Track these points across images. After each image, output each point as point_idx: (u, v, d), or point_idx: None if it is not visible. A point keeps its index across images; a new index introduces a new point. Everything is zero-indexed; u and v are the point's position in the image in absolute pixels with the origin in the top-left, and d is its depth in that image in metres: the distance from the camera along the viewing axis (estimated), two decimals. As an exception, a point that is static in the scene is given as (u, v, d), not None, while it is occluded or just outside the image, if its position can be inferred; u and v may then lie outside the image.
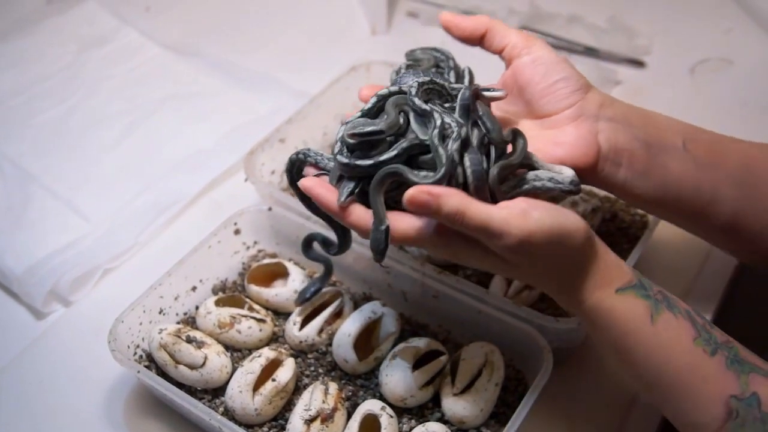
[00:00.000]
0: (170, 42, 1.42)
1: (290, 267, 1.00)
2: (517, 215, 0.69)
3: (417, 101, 0.77)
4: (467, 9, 1.48)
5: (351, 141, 0.75)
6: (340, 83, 1.18)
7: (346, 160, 0.75)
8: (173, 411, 0.91)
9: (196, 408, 0.84)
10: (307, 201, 0.83)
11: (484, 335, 0.92)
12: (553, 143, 0.81)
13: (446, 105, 0.79)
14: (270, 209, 1.03)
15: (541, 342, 0.88)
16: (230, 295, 0.99)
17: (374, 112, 0.79)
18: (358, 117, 0.78)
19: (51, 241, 1.08)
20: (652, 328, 0.74)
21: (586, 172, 0.82)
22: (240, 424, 0.87)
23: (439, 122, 0.75)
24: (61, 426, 0.92)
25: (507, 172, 0.76)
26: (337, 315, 0.96)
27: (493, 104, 0.82)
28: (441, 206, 0.67)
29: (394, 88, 0.80)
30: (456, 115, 0.77)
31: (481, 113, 0.77)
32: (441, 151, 0.73)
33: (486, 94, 0.80)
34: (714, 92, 1.34)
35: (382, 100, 0.79)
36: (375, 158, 0.74)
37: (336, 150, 0.77)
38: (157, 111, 1.29)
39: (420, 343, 0.91)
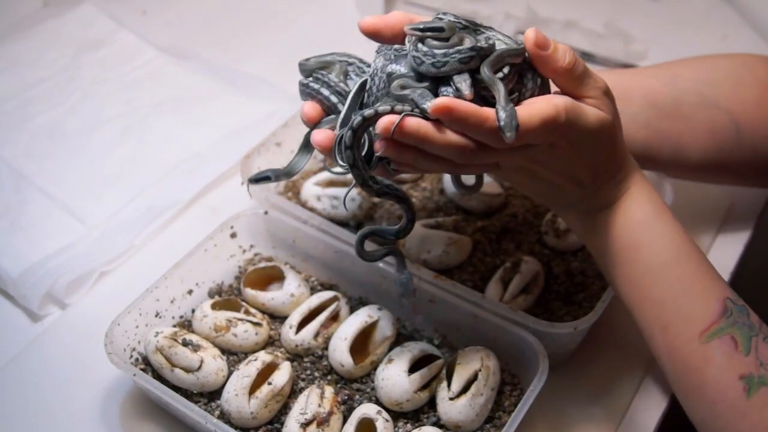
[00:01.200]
0: (166, 46, 1.42)
1: (286, 270, 1.00)
2: (597, 109, 0.76)
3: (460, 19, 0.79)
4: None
5: (414, 33, 0.75)
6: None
7: (469, 46, 0.73)
8: (169, 414, 0.91)
9: (192, 411, 0.84)
10: (368, 181, 0.78)
11: (479, 340, 0.92)
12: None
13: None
14: (266, 213, 1.03)
15: (536, 347, 0.88)
16: (226, 298, 0.99)
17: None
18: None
19: (47, 244, 1.07)
20: (671, 214, 0.82)
21: None
22: (236, 427, 0.87)
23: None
24: (58, 429, 0.92)
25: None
26: (333, 319, 0.96)
27: None
28: (553, 127, 0.71)
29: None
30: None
31: None
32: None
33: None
34: None
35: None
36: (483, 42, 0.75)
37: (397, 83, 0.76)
38: (153, 114, 1.29)
39: (416, 347, 0.91)
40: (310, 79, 0.86)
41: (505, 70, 0.75)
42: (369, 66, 0.84)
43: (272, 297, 0.98)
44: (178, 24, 1.49)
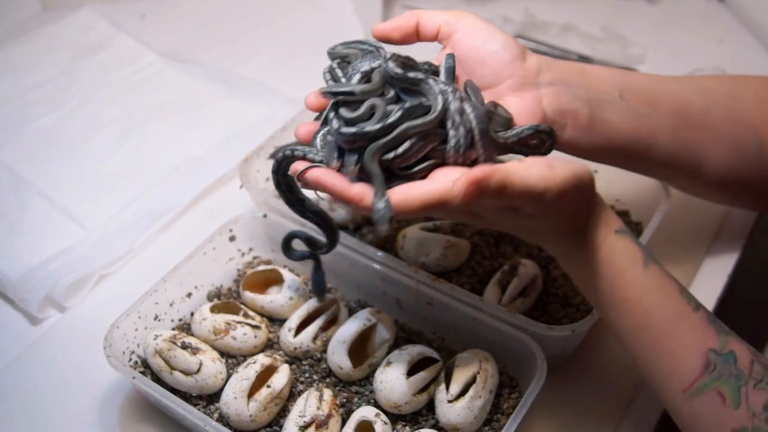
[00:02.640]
0: (165, 49, 1.42)
1: (285, 274, 1.01)
2: (548, 171, 0.72)
3: (396, 69, 0.77)
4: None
5: (322, 96, 0.78)
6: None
7: (353, 129, 0.74)
8: (168, 417, 0.92)
9: (191, 414, 0.84)
10: (293, 202, 0.87)
11: (478, 342, 0.93)
12: None
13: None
14: (265, 216, 1.04)
15: (535, 350, 0.89)
16: (225, 301, 0.99)
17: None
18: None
19: (46, 247, 1.08)
20: (645, 272, 0.78)
21: None
22: (235, 430, 0.87)
23: (432, 83, 0.77)
24: (57, 431, 0.92)
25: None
26: (332, 322, 0.96)
27: None
28: (485, 190, 0.69)
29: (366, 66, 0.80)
30: (443, 78, 0.79)
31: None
32: (439, 97, 0.76)
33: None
34: None
35: (366, 75, 0.80)
36: (382, 121, 0.74)
37: (322, 132, 0.78)
38: (151, 118, 1.29)
39: (414, 350, 0.91)
40: (328, 67, 0.87)
41: (406, 145, 0.75)
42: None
43: (271, 300, 0.98)
44: (177, 28, 1.50)
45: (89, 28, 1.44)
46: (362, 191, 0.73)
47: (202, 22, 1.52)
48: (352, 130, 0.75)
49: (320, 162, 0.77)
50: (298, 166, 0.77)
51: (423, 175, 0.76)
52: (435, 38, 0.86)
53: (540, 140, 0.81)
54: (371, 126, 0.74)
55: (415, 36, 0.86)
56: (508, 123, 0.80)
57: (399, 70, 0.78)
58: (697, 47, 1.47)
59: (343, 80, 0.83)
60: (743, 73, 1.39)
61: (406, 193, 0.72)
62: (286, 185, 0.86)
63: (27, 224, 1.11)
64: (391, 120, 0.75)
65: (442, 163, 0.77)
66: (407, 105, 0.76)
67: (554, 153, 0.84)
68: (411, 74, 0.78)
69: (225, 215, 1.06)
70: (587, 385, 0.97)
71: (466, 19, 0.85)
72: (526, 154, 0.81)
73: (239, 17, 1.53)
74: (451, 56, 0.82)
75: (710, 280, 1.06)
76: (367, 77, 0.80)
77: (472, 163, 0.76)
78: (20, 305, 1.03)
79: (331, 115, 0.78)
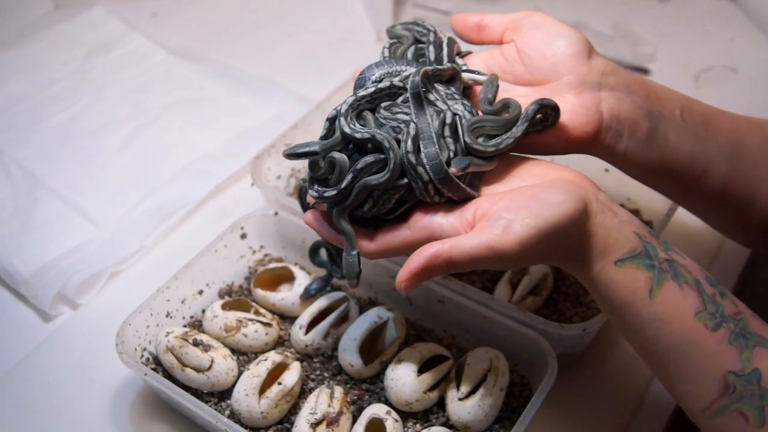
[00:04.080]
0: (176, 47, 1.43)
1: (296, 271, 1.01)
2: (501, 234, 0.69)
3: (345, 128, 0.77)
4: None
5: (286, 158, 0.77)
6: (345, 90, 1.18)
7: (315, 194, 0.76)
8: (179, 414, 0.92)
9: (203, 411, 0.85)
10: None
11: (488, 340, 0.93)
12: None
13: (400, 100, 0.80)
14: (276, 214, 1.04)
15: (545, 348, 0.89)
16: (236, 299, 0.99)
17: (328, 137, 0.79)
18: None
19: (58, 245, 1.08)
20: (649, 301, 0.72)
21: (586, 142, 0.80)
22: (246, 427, 0.87)
23: (385, 138, 0.75)
24: (68, 428, 0.92)
25: (481, 131, 0.77)
26: (343, 319, 0.96)
27: (487, 68, 0.83)
28: (431, 273, 0.71)
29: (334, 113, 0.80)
30: (410, 106, 0.78)
31: (436, 98, 0.79)
32: (392, 152, 0.74)
33: (466, 76, 0.81)
34: (718, 100, 1.30)
35: (332, 122, 0.79)
36: (337, 187, 0.75)
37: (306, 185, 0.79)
38: (163, 116, 1.30)
39: (425, 348, 0.91)
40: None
41: (370, 203, 0.76)
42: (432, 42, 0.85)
43: (282, 297, 0.99)
44: (188, 26, 1.51)
45: (101, 26, 1.45)
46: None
47: (213, 20, 1.53)
48: (315, 194, 0.76)
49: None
50: (309, 198, 0.80)
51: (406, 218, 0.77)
52: (500, 40, 0.84)
53: (544, 114, 0.78)
54: (329, 192, 0.75)
55: (477, 33, 0.86)
56: (516, 118, 0.77)
57: (347, 129, 0.76)
58: (708, 45, 1.47)
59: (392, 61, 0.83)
60: (754, 71, 1.41)
61: (387, 241, 0.76)
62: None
63: (39, 222, 1.12)
64: (344, 185, 0.75)
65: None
66: (359, 166, 0.75)
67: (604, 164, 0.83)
68: (357, 135, 0.76)
69: (236, 213, 1.06)
70: (598, 383, 0.97)
71: (533, 16, 0.83)
72: (530, 133, 0.78)
73: (250, 15, 1.54)
74: (417, 74, 0.77)
75: (721, 279, 1.06)
76: (332, 127, 0.79)
77: (450, 198, 0.75)
78: (33, 302, 1.03)
79: (304, 178, 0.81)
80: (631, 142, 0.81)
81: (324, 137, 0.78)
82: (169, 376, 0.91)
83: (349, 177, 0.75)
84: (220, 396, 0.91)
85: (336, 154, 0.76)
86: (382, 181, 0.74)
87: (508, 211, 0.71)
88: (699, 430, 0.78)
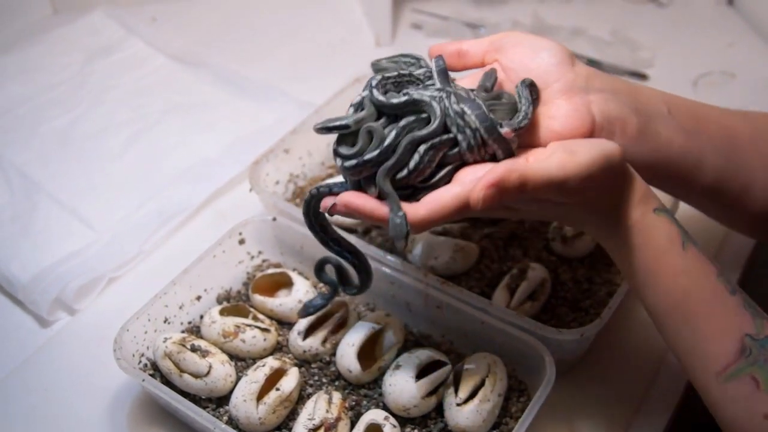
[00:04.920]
0: (176, 52, 1.43)
1: (294, 277, 1.01)
2: (570, 157, 0.72)
3: (378, 96, 0.77)
4: (470, 21, 1.49)
5: (317, 133, 0.78)
6: (344, 94, 1.18)
7: (354, 162, 0.75)
8: (177, 419, 0.92)
9: (201, 417, 0.85)
10: (328, 242, 0.87)
11: (487, 346, 0.93)
12: (547, 117, 0.80)
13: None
14: (274, 219, 1.04)
15: (543, 353, 0.89)
16: (234, 304, 0.99)
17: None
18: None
19: (56, 250, 1.08)
20: (683, 252, 0.77)
21: None
22: (244, 432, 0.87)
23: (424, 94, 0.76)
24: (66, 434, 0.92)
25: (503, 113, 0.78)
26: (341, 325, 0.96)
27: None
28: (505, 191, 0.69)
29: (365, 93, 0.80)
30: (436, 81, 0.79)
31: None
32: (435, 104, 0.75)
33: None
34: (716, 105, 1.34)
35: (357, 108, 0.80)
36: (380, 145, 0.75)
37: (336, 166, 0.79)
38: (162, 120, 1.30)
39: (423, 353, 0.91)
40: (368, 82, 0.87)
41: (416, 158, 0.75)
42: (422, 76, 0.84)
43: (280, 303, 0.98)
44: (188, 31, 1.51)
45: (100, 31, 1.45)
46: (384, 211, 0.74)
47: (213, 25, 1.53)
48: (353, 162, 0.75)
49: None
50: (327, 202, 0.78)
51: (447, 180, 0.76)
52: (480, 63, 0.85)
53: (536, 92, 0.80)
54: (370, 153, 0.75)
55: (460, 63, 0.86)
56: (515, 107, 0.79)
57: (381, 98, 0.77)
58: (707, 51, 1.47)
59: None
60: (753, 76, 1.41)
61: (436, 202, 0.73)
62: (319, 225, 0.86)
63: (37, 226, 1.12)
64: (388, 142, 0.75)
65: (463, 164, 0.77)
66: (402, 123, 0.76)
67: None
68: (394, 101, 0.77)
69: (235, 218, 1.06)
70: (596, 388, 0.97)
71: (511, 36, 0.85)
72: None
73: (249, 20, 1.54)
74: (440, 58, 0.81)
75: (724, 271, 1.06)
76: (360, 107, 0.79)
77: (492, 157, 0.76)
78: (30, 307, 1.03)
79: (334, 154, 0.78)
80: (623, 140, 0.82)
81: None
82: (167, 381, 0.91)
83: (392, 134, 0.75)
84: (218, 402, 0.91)
85: (372, 124, 0.77)
86: (431, 131, 0.75)
87: (565, 144, 0.74)
88: (698, 430, 0.79)
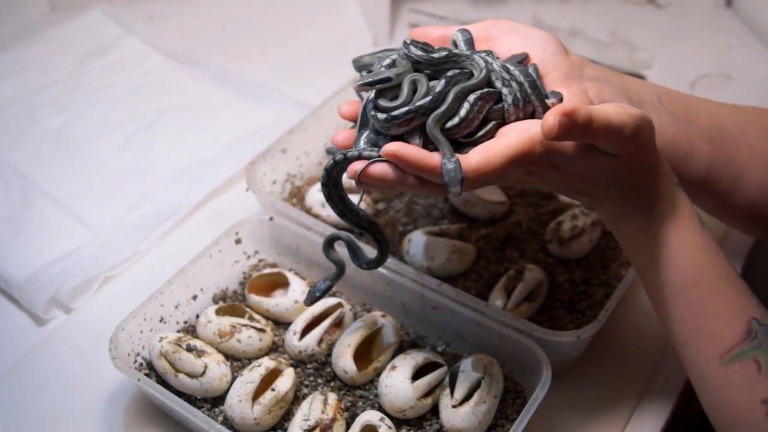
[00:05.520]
0: (173, 51, 1.42)
1: (291, 277, 1.01)
2: (622, 108, 0.71)
3: (418, 51, 0.78)
4: (468, 22, 1.47)
5: (358, 90, 0.78)
6: (342, 94, 1.18)
7: (406, 108, 0.74)
8: (173, 419, 0.92)
9: (196, 417, 0.84)
10: (346, 213, 0.84)
11: (483, 347, 0.93)
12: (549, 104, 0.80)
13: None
14: (271, 219, 1.04)
15: (539, 355, 0.88)
16: (231, 304, 0.99)
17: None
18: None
19: (52, 249, 1.08)
20: (702, 229, 0.78)
21: None
22: (239, 433, 0.87)
23: (463, 52, 0.78)
24: (62, 433, 0.92)
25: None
26: (337, 325, 0.96)
27: None
28: (575, 123, 0.68)
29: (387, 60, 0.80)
30: (463, 50, 0.80)
31: None
32: (477, 58, 0.77)
33: None
34: None
35: (390, 66, 0.79)
36: (431, 93, 0.75)
37: (365, 135, 0.78)
38: (158, 120, 1.29)
39: (419, 354, 0.91)
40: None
41: (466, 106, 0.75)
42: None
43: (276, 303, 0.98)
44: (185, 30, 1.50)
45: (97, 29, 1.44)
46: (437, 159, 0.72)
47: (210, 24, 1.52)
48: (405, 109, 0.74)
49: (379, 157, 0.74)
50: (357, 166, 0.74)
51: (490, 137, 0.76)
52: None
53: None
54: (422, 100, 0.75)
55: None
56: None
57: (421, 52, 0.78)
58: (705, 52, 1.47)
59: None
60: (750, 79, 1.41)
61: (488, 152, 0.72)
62: (338, 197, 0.82)
63: (33, 225, 1.12)
64: (439, 89, 0.75)
65: (502, 123, 0.77)
66: (450, 74, 0.77)
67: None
68: (435, 55, 0.78)
69: (231, 218, 1.06)
70: (592, 390, 0.97)
71: (501, 24, 0.85)
72: None
73: (247, 19, 1.53)
74: (465, 30, 0.82)
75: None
76: (392, 66, 0.79)
77: (530, 117, 0.77)
78: (26, 306, 1.03)
79: (373, 111, 0.77)
80: None
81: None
82: (162, 381, 0.91)
83: (442, 82, 0.76)
84: (214, 402, 0.91)
85: (416, 74, 0.77)
86: (479, 80, 0.76)
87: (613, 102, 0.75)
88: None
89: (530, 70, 0.79)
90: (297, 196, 1.13)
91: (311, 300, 0.91)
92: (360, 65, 0.87)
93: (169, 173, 1.20)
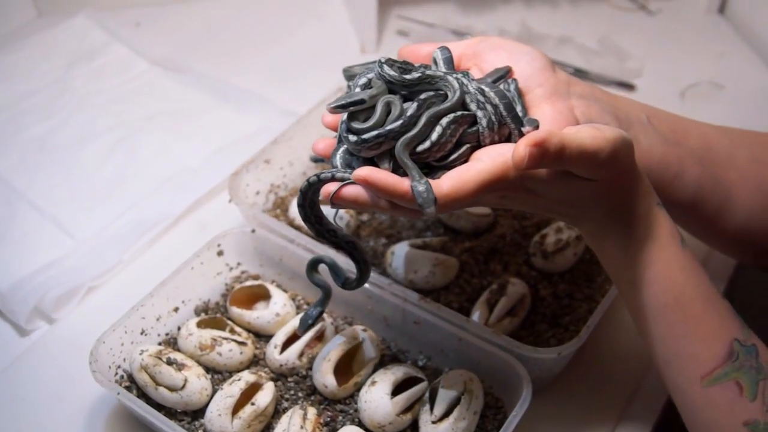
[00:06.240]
0: (159, 58, 1.42)
1: (272, 289, 1.01)
2: (597, 132, 0.70)
3: (390, 71, 0.77)
4: (457, 29, 1.48)
5: (332, 112, 0.76)
6: (326, 104, 1.17)
7: (376, 132, 0.73)
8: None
9: (175, 430, 0.84)
10: (324, 233, 0.83)
11: (464, 362, 0.93)
12: None
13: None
14: (253, 231, 1.03)
15: (520, 371, 0.88)
16: (212, 316, 0.99)
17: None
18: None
19: (36, 258, 1.07)
20: (683, 249, 0.77)
21: None
22: (218, 448, 0.87)
23: (438, 73, 0.77)
24: (43, 444, 0.92)
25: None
26: (318, 339, 0.96)
27: None
28: (546, 152, 0.67)
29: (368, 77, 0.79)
30: (442, 69, 0.80)
31: None
32: (451, 80, 0.76)
33: None
34: (703, 118, 1.29)
35: (365, 86, 0.79)
36: (402, 117, 0.74)
37: (342, 150, 0.78)
38: (144, 128, 1.29)
39: (399, 370, 0.91)
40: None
41: (438, 130, 0.74)
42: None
43: (258, 316, 0.98)
44: (171, 36, 1.49)
45: (84, 35, 1.44)
46: (406, 183, 0.71)
47: (197, 31, 1.51)
48: (375, 132, 0.74)
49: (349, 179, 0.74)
50: (330, 188, 0.74)
51: (464, 160, 0.75)
52: (456, 67, 0.84)
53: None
54: (393, 124, 0.74)
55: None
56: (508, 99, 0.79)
57: (394, 73, 0.77)
58: (696, 61, 1.46)
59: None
60: (742, 88, 1.40)
61: (460, 177, 0.71)
62: (315, 217, 0.82)
63: (16, 234, 1.11)
64: (410, 113, 0.74)
65: (477, 146, 0.76)
66: (423, 97, 0.76)
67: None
68: (407, 76, 0.77)
69: (215, 227, 1.06)
70: (574, 406, 0.96)
71: (488, 40, 0.84)
72: None
73: (234, 26, 1.53)
74: (445, 48, 0.81)
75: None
76: (367, 86, 0.79)
77: (506, 140, 0.76)
78: (9, 316, 1.03)
79: (345, 132, 0.76)
80: None
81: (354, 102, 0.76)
82: (143, 394, 0.91)
83: (414, 105, 0.75)
84: (194, 415, 0.91)
85: (390, 96, 0.76)
86: (452, 103, 0.75)
87: (589, 124, 0.74)
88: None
89: (510, 86, 0.79)
90: (281, 207, 1.13)
91: (305, 328, 0.91)
92: (350, 75, 0.86)
93: (154, 182, 1.20)
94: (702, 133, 0.91)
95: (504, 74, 0.81)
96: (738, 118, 1.31)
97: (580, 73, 1.40)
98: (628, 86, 1.39)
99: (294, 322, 0.96)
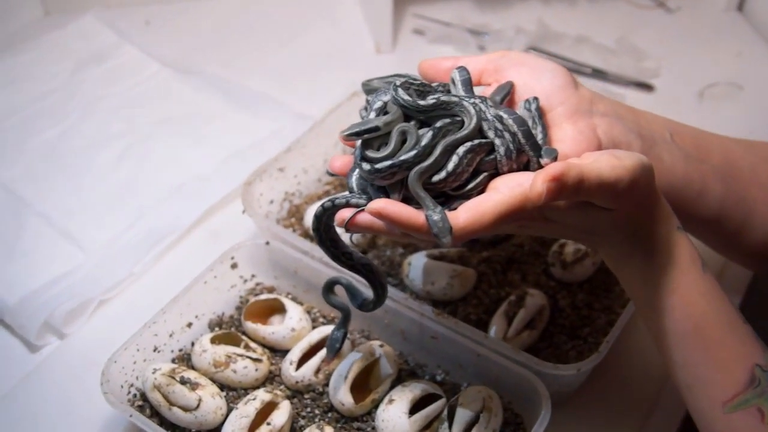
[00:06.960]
0: (170, 59, 1.40)
1: (287, 303, 0.99)
2: (616, 161, 0.69)
3: (405, 96, 0.75)
4: (473, 27, 1.46)
5: (345, 140, 0.74)
6: (341, 109, 1.16)
7: (389, 162, 0.71)
8: (166, 452, 0.90)
9: (189, 452, 0.83)
10: (340, 256, 0.82)
11: (482, 377, 0.91)
12: (554, 141, 0.78)
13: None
14: (267, 243, 1.01)
15: (539, 388, 0.87)
16: (226, 332, 0.97)
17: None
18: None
19: (45, 271, 1.06)
20: (703, 274, 0.76)
21: None
22: (233, 469, 0.85)
23: (455, 99, 0.75)
24: (55, 464, 0.91)
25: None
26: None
27: None
28: (564, 186, 0.66)
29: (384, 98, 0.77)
30: (460, 91, 0.78)
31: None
32: (468, 106, 0.74)
33: None
34: (721, 118, 1.31)
35: (379, 112, 0.77)
36: (417, 146, 0.72)
37: (356, 175, 0.76)
38: (154, 133, 1.27)
39: (417, 386, 0.89)
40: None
41: (454, 160, 0.72)
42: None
43: (273, 331, 0.96)
44: (182, 36, 1.47)
45: (93, 36, 1.41)
46: (420, 215, 0.70)
47: (208, 30, 1.49)
48: (388, 162, 0.71)
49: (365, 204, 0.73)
50: (345, 214, 0.73)
51: (481, 190, 0.73)
52: (477, 82, 0.82)
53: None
54: (406, 154, 0.72)
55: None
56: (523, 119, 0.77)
57: (408, 98, 0.75)
58: (714, 60, 1.44)
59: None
60: (761, 88, 1.37)
61: (477, 209, 0.69)
62: (330, 240, 0.81)
63: (26, 247, 1.10)
64: (425, 142, 0.72)
65: (494, 174, 0.74)
66: (439, 125, 0.74)
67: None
68: (422, 102, 0.75)
69: (228, 237, 1.04)
70: (593, 420, 0.95)
71: (510, 55, 0.82)
72: None
73: (246, 26, 1.50)
74: (464, 69, 0.79)
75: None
76: (383, 112, 0.76)
77: (524, 167, 0.74)
78: (18, 332, 1.01)
79: (360, 159, 0.74)
80: None
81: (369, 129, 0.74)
82: (156, 413, 0.90)
83: (429, 134, 0.73)
84: (209, 435, 0.89)
85: (406, 124, 0.74)
86: (468, 131, 0.73)
87: (603, 150, 0.74)
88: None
89: (532, 105, 0.76)
90: (295, 215, 1.11)
91: (333, 352, 0.90)
92: (369, 89, 0.83)
93: (165, 190, 1.18)
94: (725, 149, 0.89)
95: (508, 91, 0.78)
96: (756, 119, 1.30)
97: (597, 74, 1.38)
98: (646, 86, 1.37)
99: (310, 338, 0.95)
